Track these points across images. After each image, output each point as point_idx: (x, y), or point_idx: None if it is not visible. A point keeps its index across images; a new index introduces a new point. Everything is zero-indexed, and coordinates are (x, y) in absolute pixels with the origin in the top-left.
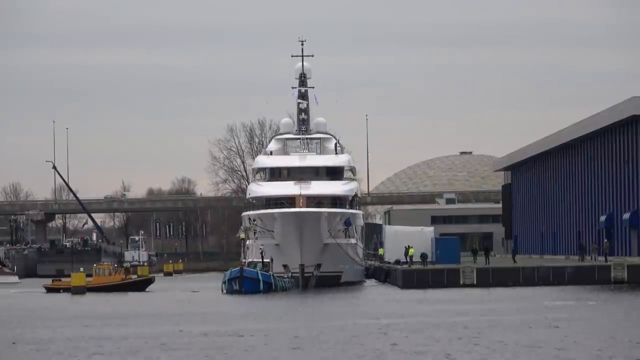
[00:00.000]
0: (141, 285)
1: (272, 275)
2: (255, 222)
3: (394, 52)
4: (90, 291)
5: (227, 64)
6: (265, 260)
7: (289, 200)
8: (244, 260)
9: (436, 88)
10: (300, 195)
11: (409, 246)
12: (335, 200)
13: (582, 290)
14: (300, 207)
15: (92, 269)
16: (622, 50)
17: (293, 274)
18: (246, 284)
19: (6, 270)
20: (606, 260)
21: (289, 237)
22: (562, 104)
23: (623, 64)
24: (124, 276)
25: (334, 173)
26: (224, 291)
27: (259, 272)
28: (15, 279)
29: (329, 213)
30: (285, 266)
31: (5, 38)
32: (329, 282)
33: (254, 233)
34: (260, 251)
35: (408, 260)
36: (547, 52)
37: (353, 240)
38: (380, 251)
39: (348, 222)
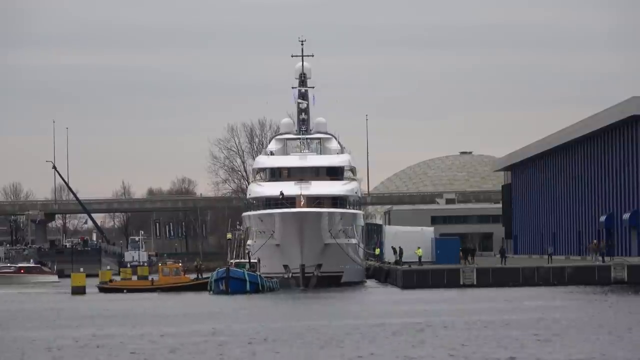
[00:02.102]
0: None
1: (259, 275)
2: (239, 228)
3: (394, 53)
4: (153, 292)
5: (228, 64)
6: (252, 260)
7: (289, 201)
8: (230, 261)
9: (436, 88)
10: (300, 195)
11: (407, 248)
12: (336, 200)
13: (579, 291)
14: (301, 207)
15: (158, 269)
16: (622, 51)
17: (293, 274)
18: (232, 284)
19: (46, 269)
20: (603, 261)
21: (289, 237)
22: (562, 104)
23: (623, 64)
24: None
25: (334, 173)
26: (211, 292)
27: (246, 272)
28: (54, 278)
29: (329, 213)
30: (285, 266)
31: (6, 38)
32: (329, 282)
33: (248, 234)
34: (247, 251)
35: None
36: (547, 53)
37: (354, 241)
38: (377, 251)
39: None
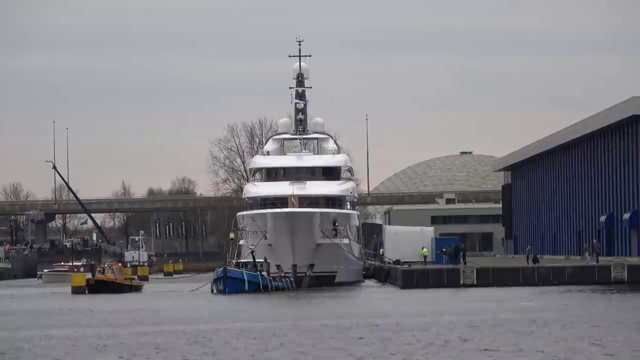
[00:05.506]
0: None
1: (261, 275)
2: (243, 228)
3: (393, 53)
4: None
5: (227, 64)
6: (258, 260)
7: (283, 201)
8: (232, 261)
9: (436, 88)
10: (292, 195)
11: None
12: (331, 201)
13: (577, 291)
14: (293, 207)
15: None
16: (622, 53)
17: (285, 274)
18: (230, 284)
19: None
20: (597, 261)
21: (281, 237)
22: (562, 104)
23: (623, 65)
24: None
25: (330, 173)
26: (214, 291)
27: (244, 272)
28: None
29: (322, 213)
30: (278, 266)
31: (6, 39)
32: (322, 282)
33: (242, 234)
34: (250, 251)
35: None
36: (547, 54)
37: (346, 241)
38: (382, 251)
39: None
